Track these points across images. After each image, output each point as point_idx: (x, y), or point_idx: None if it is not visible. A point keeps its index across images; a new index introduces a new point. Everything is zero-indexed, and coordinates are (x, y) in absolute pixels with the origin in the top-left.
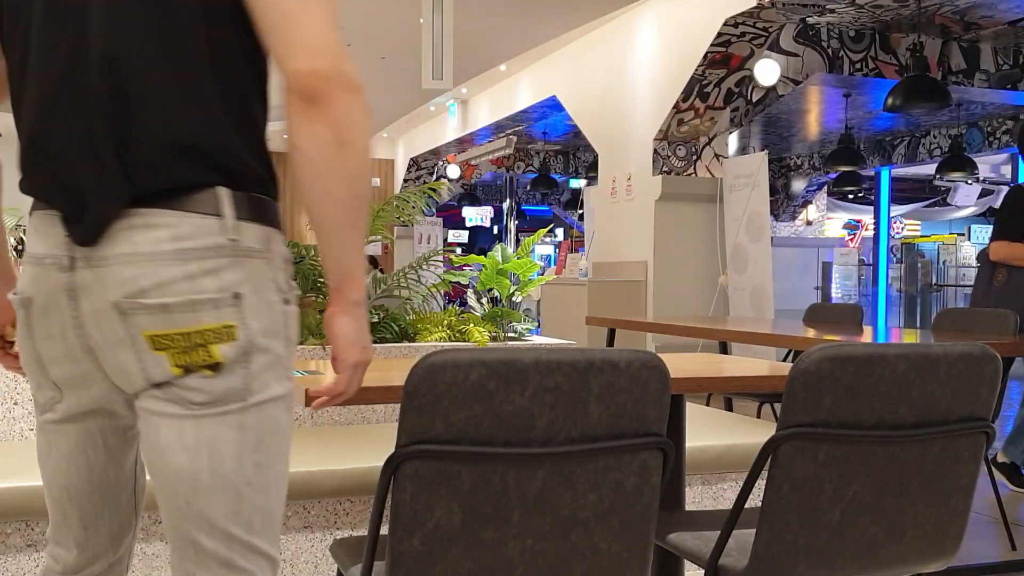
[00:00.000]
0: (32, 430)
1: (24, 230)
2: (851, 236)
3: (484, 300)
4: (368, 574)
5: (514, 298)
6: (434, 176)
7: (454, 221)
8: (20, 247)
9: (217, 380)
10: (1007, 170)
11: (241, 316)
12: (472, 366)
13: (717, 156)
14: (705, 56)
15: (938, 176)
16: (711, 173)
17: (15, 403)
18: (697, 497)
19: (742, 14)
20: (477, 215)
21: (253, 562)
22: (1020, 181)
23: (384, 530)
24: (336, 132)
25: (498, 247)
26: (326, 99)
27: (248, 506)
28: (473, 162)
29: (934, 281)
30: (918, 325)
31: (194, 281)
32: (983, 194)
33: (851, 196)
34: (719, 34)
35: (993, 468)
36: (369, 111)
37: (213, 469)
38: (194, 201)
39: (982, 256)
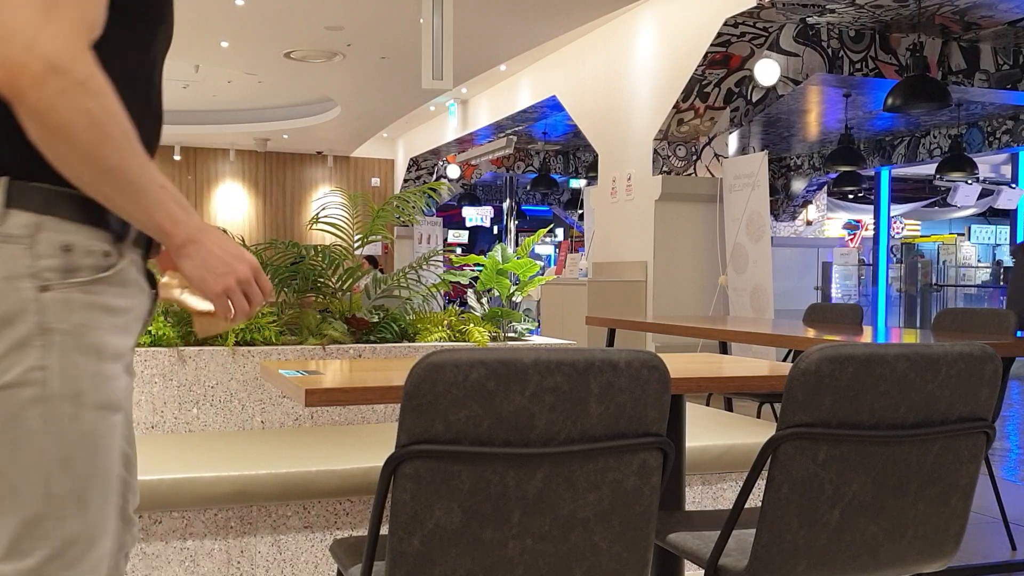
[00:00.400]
0: None
1: None
2: (851, 236)
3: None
4: (368, 574)
5: (514, 298)
6: (434, 176)
7: (454, 221)
8: None
9: None
10: (1007, 170)
11: None
12: (472, 366)
13: (717, 156)
14: (705, 56)
15: (938, 176)
16: (711, 173)
17: None
18: (697, 497)
19: (742, 14)
20: (477, 215)
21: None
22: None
23: (384, 530)
24: (43, 128)
25: (498, 247)
26: (16, 98)
27: None
28: (473, 162)
29: (934, 281)
30: (918, 325)
31: None
32: (983, 194)
33: (851, 196)
34: (719, 34)
35: None
36: (79, 83)
37: None
38: None
39: (1018, 251)
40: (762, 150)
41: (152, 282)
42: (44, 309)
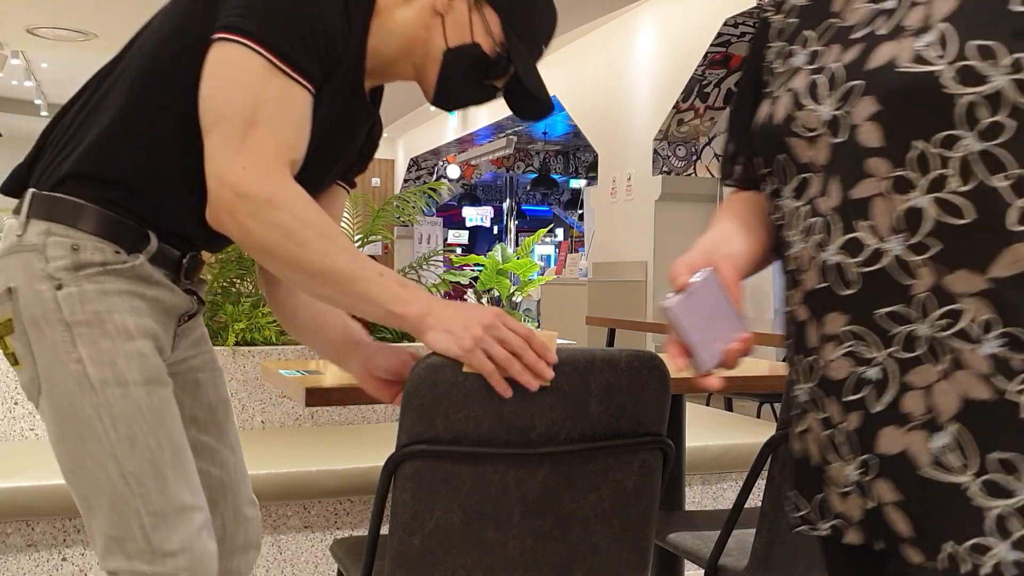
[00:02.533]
0: (32, 430)
1: None
2: None
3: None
4: (368, 574)
5: (514, 298)
6: (434, 176)
7: (454, 221)
8: None
9: (22, 374)
10: None
11: (16, 310)
12: None
13: (717, 156)
14: (705, 56)
15: None
16: (711, 173)
17: (15, 403)
18: (697, 497)
19: (742, 14)
20: (477, 215)
21: (97, 547)
22: None
23: (384, 530)
24: (251, 250)
25: (498, 247)
26: (224, 229)
27: (80, 491)
28: (473, 162)
29: None
30: None
31: None
32: None
33: None
34: (719, 34)
35: None
36: (265, 202)
37: (59, 465)
38: (19, 202)
39: None
40: None
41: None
42: (63, 306)
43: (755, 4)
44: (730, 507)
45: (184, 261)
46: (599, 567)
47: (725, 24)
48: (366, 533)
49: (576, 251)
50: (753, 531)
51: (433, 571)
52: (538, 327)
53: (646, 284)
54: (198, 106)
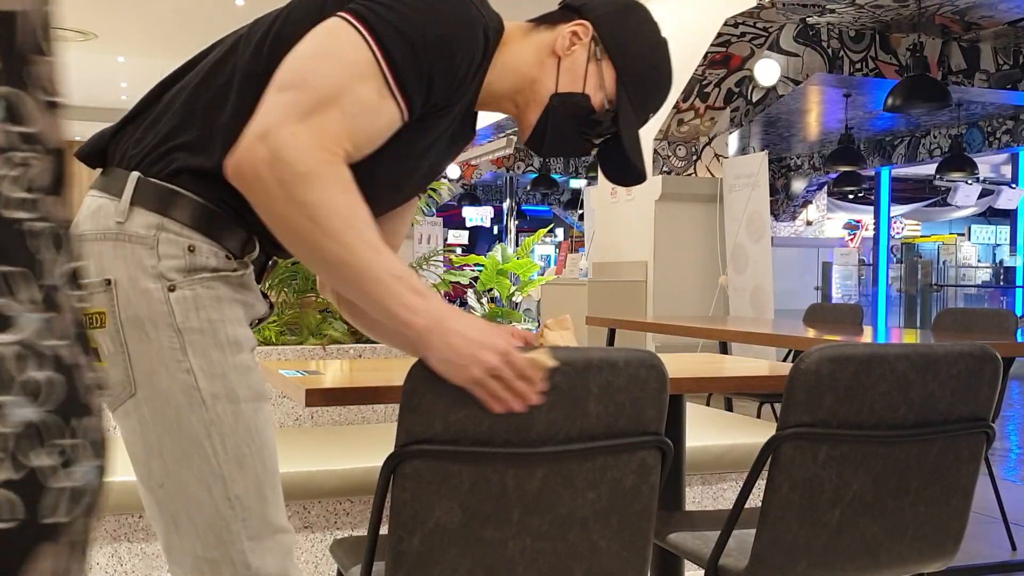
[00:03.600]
0: None
1: None
2: (851, 236)
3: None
4: (368, 574)
5: (514, 298)
6: None
7: (454, 221)
8: None
9: (108, 371)
10: (1007, 170)
11: (114, 305)
12: None
13: (717, 156)
14: (705, 56)
15: (938, 176)
16: (711, 173)
17: None
18: (697, 497)
19: (742, 14)
20: (477, 215)
21: (183, 566)
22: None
23: (383, 530)
24: (265, 215)
25: (498, 247)
26: (239, 181)
27: (168, 507)
28: (473, 162)
29: (934, 281)
30: (918, 325)
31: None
32: (983, 194)
33: (851, 196)
34: (719, 34)
35: None
36: (299, 175)
37: (136, 471)
38: (110, 180)
39: None
40: (762, 150)
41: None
42: (175, 309)
43: (755, 4)
44: (730, 507)
45: (267, 265)
46: (598, 566)
47: (725, 24)
48: (366, 533)
49: (576, 251)
50: (753, 531)
51: (432, 570)
52: (538, 327)
53: (646, 284)
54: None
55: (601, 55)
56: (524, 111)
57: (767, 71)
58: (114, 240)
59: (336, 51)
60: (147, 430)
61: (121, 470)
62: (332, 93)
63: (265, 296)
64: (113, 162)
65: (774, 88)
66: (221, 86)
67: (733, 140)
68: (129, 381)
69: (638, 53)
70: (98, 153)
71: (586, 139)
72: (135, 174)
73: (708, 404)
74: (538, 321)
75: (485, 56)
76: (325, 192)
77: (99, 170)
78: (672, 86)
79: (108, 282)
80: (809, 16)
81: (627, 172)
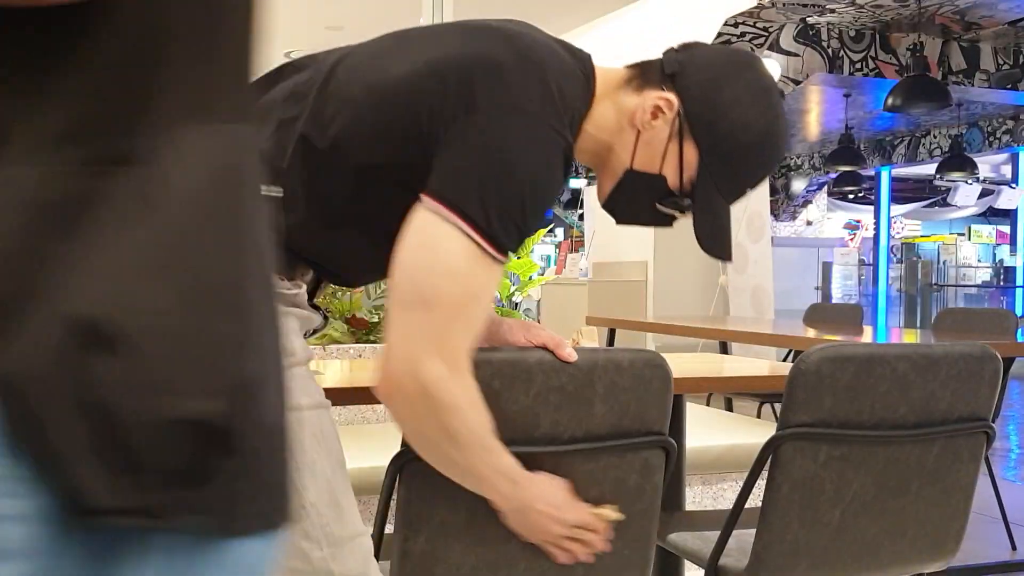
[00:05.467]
0: None
1: None
2: (851, 236)
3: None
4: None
5: (514, 298)
6: None
7: None
8: None
9: None
10: (1007, 170)
11: None
12: (477, 366)
13: None
14: None
15: (938, 176)
16: None
17: None
18: (697, 497)
19: (742, 14)
20: None
21: None
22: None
23: (388, 528)
24: (404, 427)
25: None
26: (390, 405)
27: None
28: None
29: (934, 281)
30: (918, 325)
31: None
32: (983, 194)
33: (851, 196)
34: (719, 34)
35: None
36: (446, 406)
37: None
38: None
39: None
40: None
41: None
42: None
43: (755, 4)
44: (730, 507)
45: (320, 285)
46: (601, 564)
47: (725, 24)
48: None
49: (576, 251)
50: (753, 531)
51: (437, 569)
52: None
53: (646, 284)
54: (388, 209)
55: (685, 133)
56: (600, 175)
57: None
58: None
59: (449, 264)
60: None
61: None
62: (456, 307)
63: (317, 308)
64: None
65: None
66: (279, 149)
67: None
68: None
69: (728, 132)
70: None
71: (664, 214)
72: None
73: (708, 404)
74: (538, 321)
75: (569, 168)
76: (464, 419)
77: None
78: (780, 153)
79: None
80: (809, 16)
81: (702, 242)
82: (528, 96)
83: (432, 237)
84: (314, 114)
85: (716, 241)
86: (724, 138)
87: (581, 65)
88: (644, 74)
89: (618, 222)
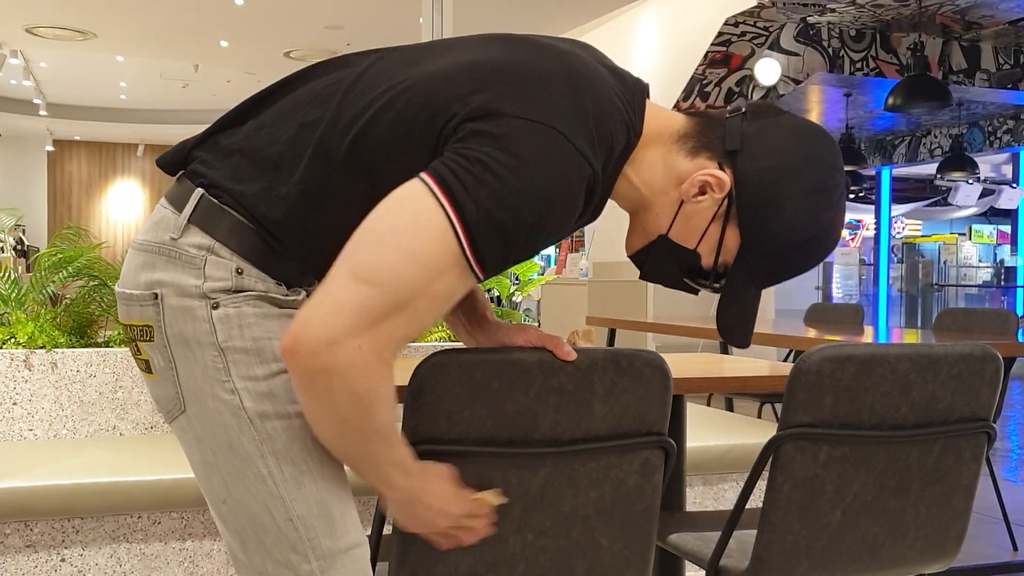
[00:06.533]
0: (31, 430)
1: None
2: (852, 236)
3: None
4: (372, 572)
5: (514, 298)
6: None
7: None
8: (19, 246)
9: (158, 385)
10: (1008, 170)
11: (160, 320)
12: (476, 366)
13: None
14: (705, 56)
15: (939, 176)
16: None
17: (14, 403)
18: (698, 497)
19: (742, 13)
20: None
21: None
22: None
23: (386, 529)
24: (297, 393)
25: None
26: (288, 366)
27: (232, 524)
28: None
29: (935, 281)
30: (919, 325)
31: (136, 275)
32: (984, 194)
33: (852, 196)
34: (719, 34)
35: None
36: (352, 394)
37: (200, 486)
38: (178, 192)
39: None
40: None
41: None
42: (218, 328)
43: (755, 3)
44: (731, 508)
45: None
46: (601, 563)
47: (725, 23)
48: (368, 533)
49: (576, 251)
50: (754, 532)
51: (435, 568)
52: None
53: (646, 284)
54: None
55: (731, 218)
56: (634, 229)
57: (767, 70)
58: (167, 255)
59: (420, 247)
60: (203, 446)
61: (121, 470)
62: (407, 298)
63: None
64: (186, 173)
65: (774, 87)
66: (295, 152)
67: None
68: (179, 397)
69: (777, 232)
70: (175, 163)
71: (691, 285)
72: (199, 191)
73: (708, 404)
74: (538, 321)
75: (591, 200)
76: (369, 412)
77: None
78: (827, 253)
79: (155, 296)
80: (809, 15)
81: (721, 322)
82: (561, 113)
83: (414, 214)
84: (336, 118)
85: (738, 328)
86: (772, 237)
87: (631, 96)
88: (702, 134)
89: (642, 277)
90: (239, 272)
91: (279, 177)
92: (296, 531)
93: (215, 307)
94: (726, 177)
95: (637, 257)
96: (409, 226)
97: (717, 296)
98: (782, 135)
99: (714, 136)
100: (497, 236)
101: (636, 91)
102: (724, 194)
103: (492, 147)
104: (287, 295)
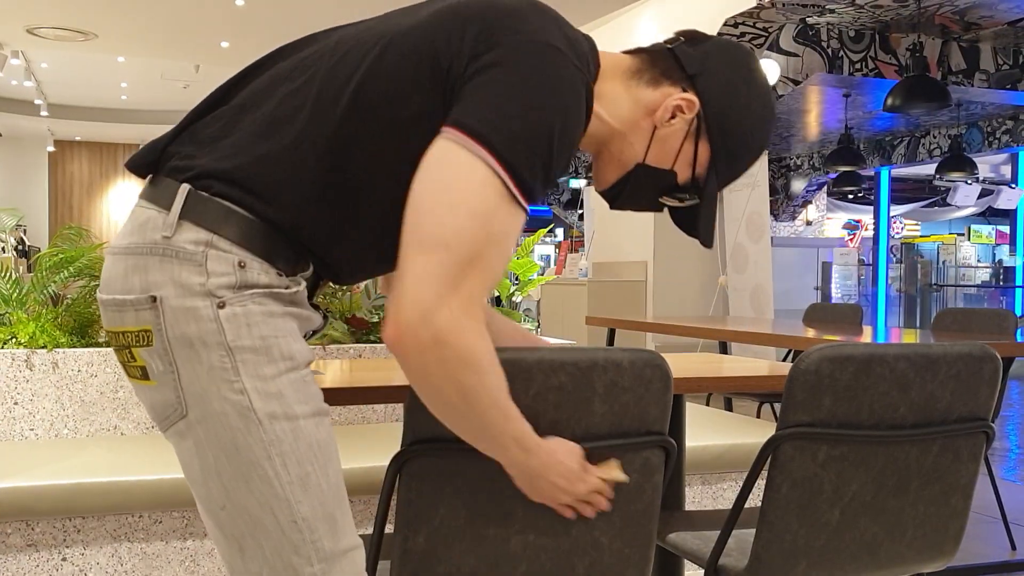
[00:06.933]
0: (32, 430)
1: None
2: (851, 236)
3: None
4: (373, 572)
5: (514, 298)
6: None
7: None
8: (20, 247)
9: (156, 391)
10: (1007, 170)
11: (160, 323)
12: None
13: None
14: None
15: (938, 176)
16: None
17: (15, 403)
18: (697, 497)
19: (742, 14)
20: None
21: None
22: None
23: (388, 528)
24: (418, 387)
25: None
26: (399, 356)
27: (231, 531)
28: None
29: (934, 281)
30: (918, 325)
31: (127, 279)
32: (983, 194)
33: (851, 196)
34: (719, 34)
35: None
36: (460, 359)
37: (195, 492)
38: (158, 191)
39: None
40: None
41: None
42: (226, 327)
43: (755, 4)
44: (730, 507)
45: (319, 283)
46: (601, 563)
47: (725, 24)
48: (368, 532)
49: (576, 251)
50: (753, 531)
51: (437, 568)
52: (538, 327)
53: (646, 284)
54: (406, 188)
55: (701, 135)
56: (605, 164)
57: (767, 71)
58: (160, 255)
59: (468, 199)
60: (203, 451)
61: (122, 470)
62: (475, 250)
63: (317, 308)
64: (162, 172)
65: (774, 88)
66: (285, 113)
67: None
68: (180, 402)
69: (740, 134)
70: (148, 164)
71: (660, 202)
72: (185, 186)
73: (708, 404)
74: (538, 322)
75: (587, 117)
76: (481, 377)
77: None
78: (767, 144)
79: (154, 299)
80: (809, 16)
81: (692, 229)
82: (548, 33)
83: (453, 170)
84: (331, 75)
85: (710, 228)
86: (736, 139)
87: (584, 35)
88: (654, 67)
89: (614, 207)
90: (242, 266)
91: (275, 141)
92: (300, 533)
93: (221, 306)
94: (694, 98)
95: (612, 190)
96: (453, 185)
97: (716, 297)
98: (723, 53)
99: (665, 66)
100: (532, 157)
101: (587, 36)
102: (694, 113)
103: (502, 75)
104: (288, 287)
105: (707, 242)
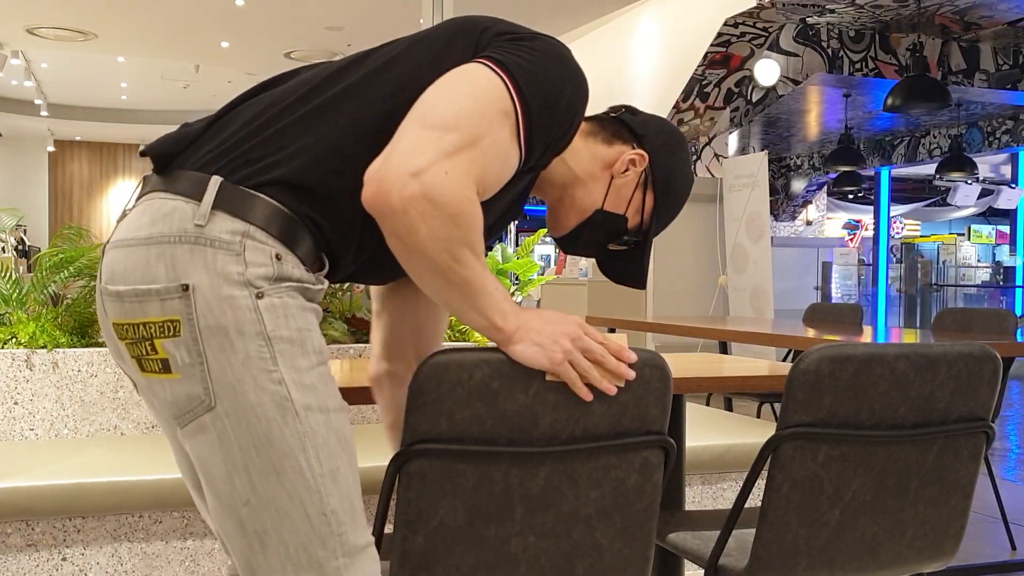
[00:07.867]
0: (32, 430)
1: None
2: (851, 236)
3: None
4: None
5: (514, 298)
6: None
7: None
8: (21, 247)
9: (177, 384)
10: (1007, 170)
11: (191, 312)
12: (477, 365)
13: (717, 156)
14: (705, 56)
15: (938, 176)
16: (711, 173)
17: (15, 403)
18: (697, 497)
19: (742, 14)
20: None
21: None
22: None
23: (387, 528)
24: (402, 246)
25: (498, 247)
26: (380, 212)
27: (253, 526)
28: None
29: (934, 281)
30: (918, 325)
31: (149, 269)
32: (983, 194)
33: (851, 196)
34: (719, 34)
35: None
36: (448, 213)
37: (212, 489)
38: (180, 183)
39: None
40: (762, 150)
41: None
42: (265, 317)
43: (755, 4)
44: (730, 507)
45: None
46: (601, 563)
47: (725, 24)
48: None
49: None
50: (753, 531)
51: (437, 568)
52: None
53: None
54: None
55: (649, 186)
56: (566, 210)
57: (767, 71)
58: (192, 243)
59: (480, 96)
60: (228, 445)
61: (122, 470)
62: (476, 137)
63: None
64: (185, 166)
65: (774, 88)
66: (322, 106)
67: (733, 140)
68: (208, 393)
69: (676, 186)
70: (171, 155)
71: (608, 249)
72: (216, 178)
73: (708, 404)
74: None
75: (574, 132)
76: (467, 231)
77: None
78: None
79: (185, 287)
80: (809, 16)
81: (628, 276)
82: (555, 48)
83: (472, 78)
84: (359, 79)
85: (644, 273)
86: (674, 193)
87: None
88: (604, 130)
89: (568, 252)
90: (278, 258)
91: (309, 131)
92: (328, 526)
93: (259, 296)
94: (645, 154)
95: (571, 235)
96: (468, 82)
97: (716, 297)
98: (657, 122)
99: (615, 129)
100: (544, 106)
101: None
102: (643, 167)
103: (524, 45)
104: (315, 284)
105: (641, 284)
